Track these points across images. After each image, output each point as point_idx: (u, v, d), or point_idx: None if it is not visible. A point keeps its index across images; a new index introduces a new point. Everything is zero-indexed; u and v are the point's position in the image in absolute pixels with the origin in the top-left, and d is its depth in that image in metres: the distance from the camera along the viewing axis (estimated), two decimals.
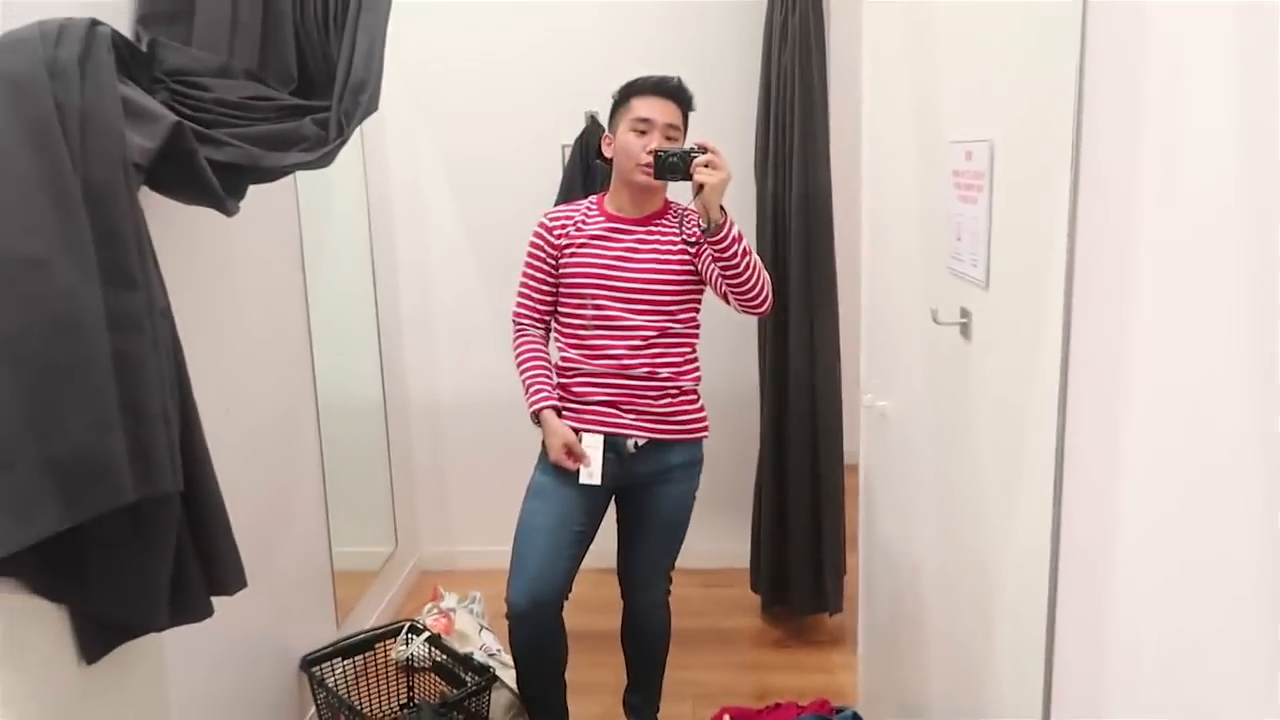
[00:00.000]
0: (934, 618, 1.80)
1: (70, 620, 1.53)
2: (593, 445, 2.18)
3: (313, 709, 2.48)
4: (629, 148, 2.14)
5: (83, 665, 1.56)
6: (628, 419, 2.19)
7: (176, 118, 1.45)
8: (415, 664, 2.65)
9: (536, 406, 2.21)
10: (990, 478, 1.45)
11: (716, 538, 3.37)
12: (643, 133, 2.14)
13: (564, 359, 2.26)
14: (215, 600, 1.64)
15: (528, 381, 2.24)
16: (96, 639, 1.56)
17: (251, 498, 2.17)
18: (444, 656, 2.56)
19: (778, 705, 2.17)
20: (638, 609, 2.44)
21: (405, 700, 2.59)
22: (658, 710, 2.54)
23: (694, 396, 2.27)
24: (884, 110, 2.02)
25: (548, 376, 2.24)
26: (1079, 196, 1.07)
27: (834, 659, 2.90)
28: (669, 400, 2.20)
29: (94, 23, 1.40)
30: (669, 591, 2.45)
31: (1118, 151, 1.02)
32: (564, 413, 2.23)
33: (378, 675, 2.59)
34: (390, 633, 2.65)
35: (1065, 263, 1.08)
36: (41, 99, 1.31)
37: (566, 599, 2.25)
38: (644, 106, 2.15)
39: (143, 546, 1.49)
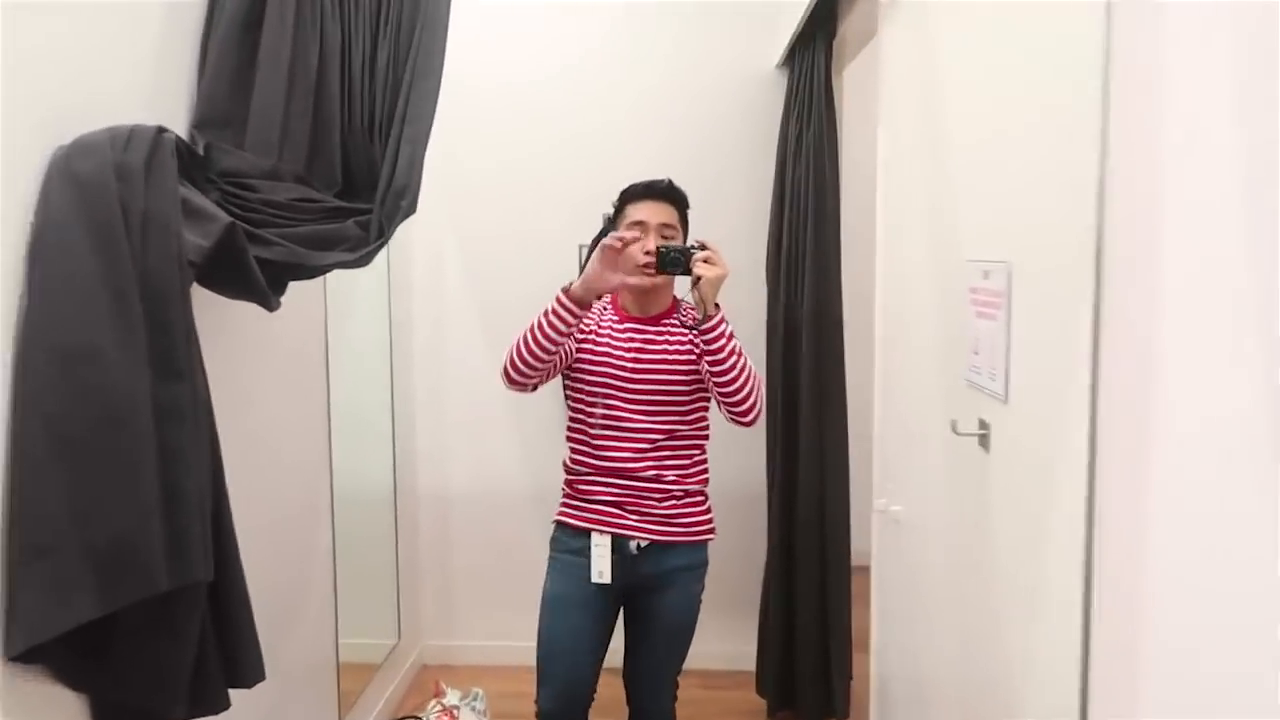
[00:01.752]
0: None
1: (90, 710, 1.53)
2: (600, 545, 2.20)
3: None
4: (626, 252, 2.15)
5: None
6: (631, 519, 2.21)
7: (230, 219, 1.52)
8: None
9: (561, 291, 2.13)
10: (1012, 591, 1.46)
11: (722, 638, 3.35)
12: (638, 236, 2.19)
13: (573, 458, 2.31)
14: None
15: (533, 321, 2.16)
16: None
17: (263, 588, 2.16)
18: None
19: None
20: (644, 716, 2.40)
21: None
22: None
23: (700, 499, 2.29)
24: (899, 226, 2.10)
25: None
26: (1101, 316, 1.12)
27: None
28: (674, 503, 2.23)
29: (160, 129, 1.48)
30: (675, 698, 2.42)
31: (1138, 273, 1.08)
32: (570, 511, 2.28)
33: None
34: None
35: (1089, 383, 1.13)
36: (108, 200, 1.38)
37: (592, 701, 2.28)
38: (637, 210, 2.25)
39: (168, 635, 1.50)
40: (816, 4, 2.67)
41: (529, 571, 3.62)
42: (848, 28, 2.84)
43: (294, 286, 1.90)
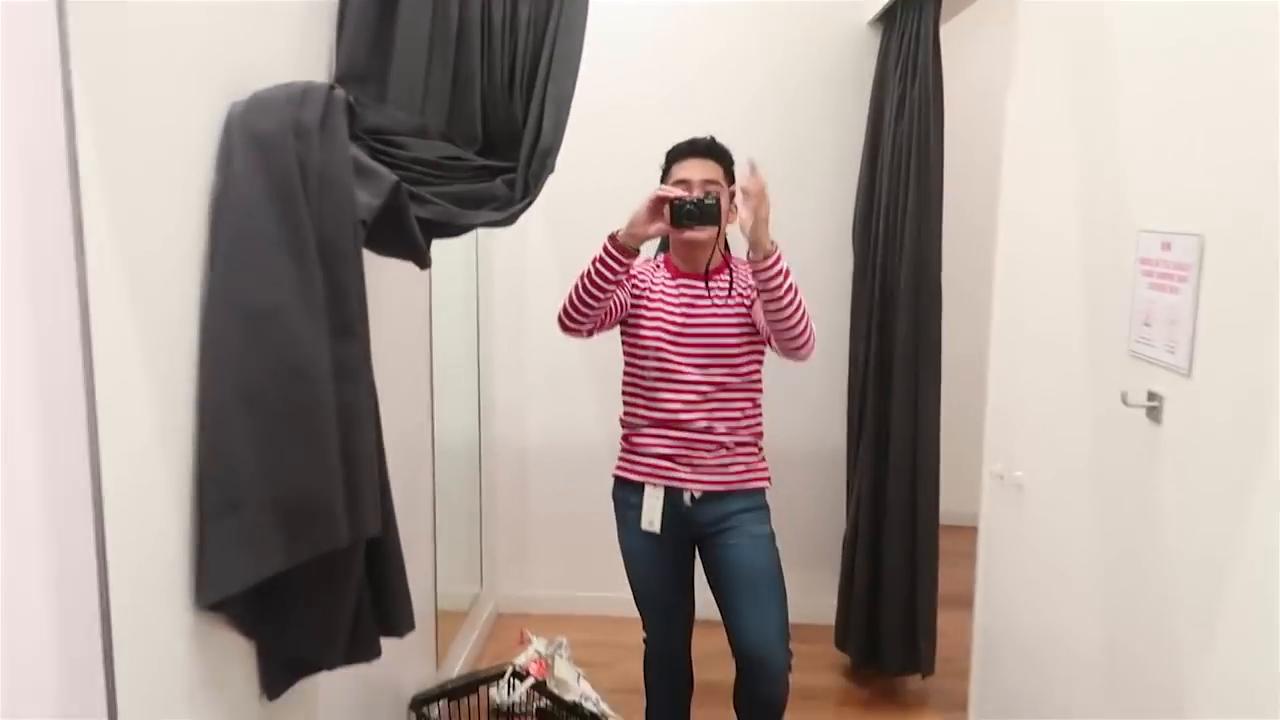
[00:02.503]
0: (1088, 697, 1.81)
1: (257, 657, 1.57)
2: (653, 496, 2.27)
3: None
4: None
5: (264, 701, 1.60)
6: (683, 472, 2.26)
7: (396, 177, 1.52)
8: (516, 710, 2.67)
9: (609, 237, 2.19)
10: (1186, 572, 1.46)
11: (797, 591, 3.38)
12: (682, 194, 2.20)
13: (627, 412, 2.39)
14: None
15: (585, 267, 2.23)
16: (279, 676, 1.60)
17: None
18: (548, 703, 2.58)
19: None
20: (752, 676, 2.31)
21: None
22: None
23: (753, 449, 2.32)
24: (1032, 190, 2.07)
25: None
26: None
27: None
28: (725, 453, 2.26)
29: (332, 86, 1.47)
30: (790, 664, 2.31)
31: None
32: (626, 465, 2.36)
33: (482, 713, 2.61)
34: (493, 676, 2.67)
35: None
36: (287, 158, 1.38)
37: (690, 632, 2.43)
38: (681, 169, 2.29)
39: (334, 587, 1.54)
40: None
41: (600, 524, 3.68)
42: None
43: None
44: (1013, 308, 2.18)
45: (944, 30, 3.05)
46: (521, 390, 3.67)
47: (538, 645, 3.04)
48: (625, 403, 2.39)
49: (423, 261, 1.66)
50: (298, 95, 1.43)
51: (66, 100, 1.04)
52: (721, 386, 2.25)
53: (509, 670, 2.69)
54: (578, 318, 2.26)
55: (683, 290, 2.31)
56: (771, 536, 2.31)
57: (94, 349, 1.10)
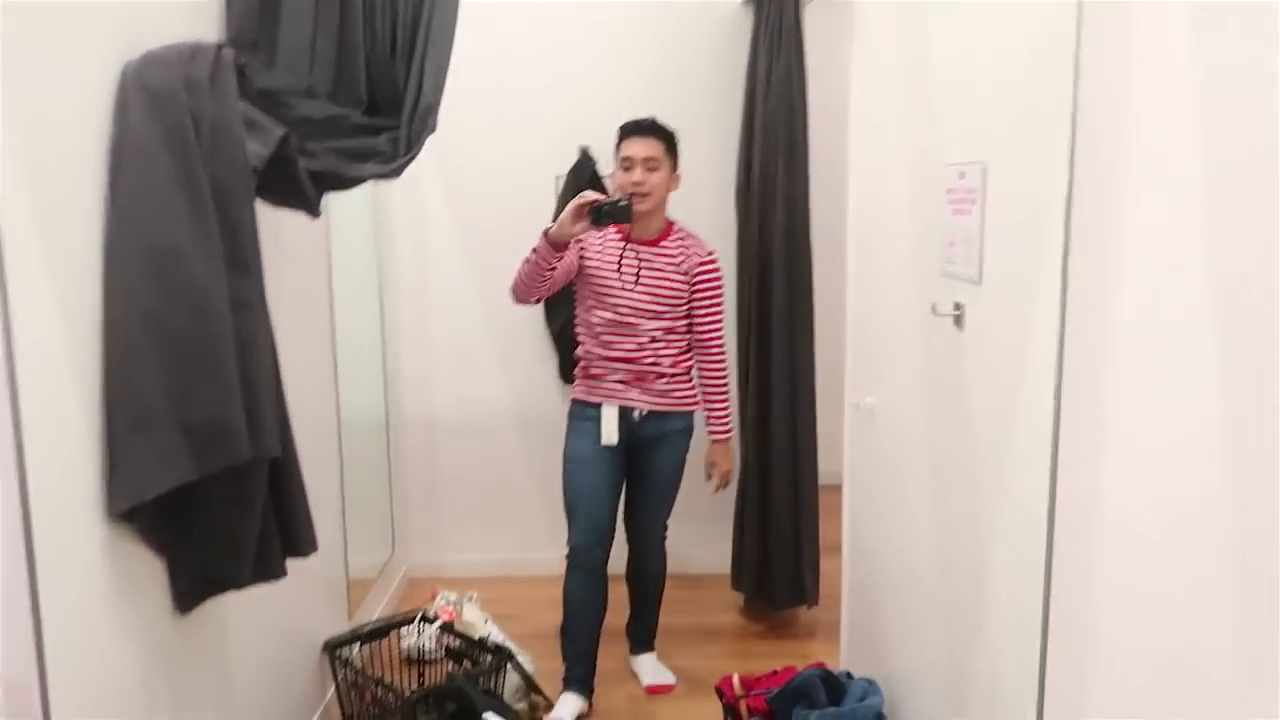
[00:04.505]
0: (926, 592, 2.05)
1: (168, 573, 1.70)
2: (609, 415, 2.70)
3: (332, 689, 2.63)
4: (619, 182, 2.69)
5: (176, 616, 1.73)
6: (633, 394, 2.73)
7: (285, 129, 1.67)
8: (425, 656, 2.82)
9: (543, 232, 2.53)
10: (984, 450, 1.70)
11: (699, 546, 3.61)
12: (627, 168, 2.66)
13: (585, 350, 2.78)
14: (251, 590, 1.79)
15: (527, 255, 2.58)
16: (189, 592, 1.73)
17: None
18: (458, 641, 2.73)
19: (775, 672, 2.37)
20: (640, 552, 2.92)
21: (417, 687, 2.74)
22: (654, 638, 3.03)
23: (687, 379, 2.80)
24: (873, 143, 2.31)
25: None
26: (1072, 206, 1.34)
27: (814, 647, 3.12)
28: (666, 380, 2.74)
29: (219, 46, 1.61)
30: (664, 537, 2.93)
31: (1107, 166, 1.29)
32: (585, 391, 2.78)
33: (391, 663, 2.75)
34: (404, 621, 2.81)
35: (1060, 262, 1.35)
36: (179, 109, 1.52)
37: (612, 538, 2.76)
38: (626, 147, 2.70)
39: (239, 507, 1.68)
40: None
41: (507, 490, 3.85)
42: None
43: (301, 221, 2.04)
44: (864, 253, 2.42)
45: (815, 10, 3.29)
46: (427, 364, 3.80)
47: (447, 595, 3.18)
48: (581, 341, 2.80)
49: (313, 210, 1.80)
50: (188, 53, 1.57)
51: None
52: (667, 330, 2.72)
53: (419, 615, 2.83)
54: (525, 295, 2.67)
55: (635, 253, 2.70)
56: (686, 454, 2.85)
57: (8, 285, 1.22)
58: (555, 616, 2.87)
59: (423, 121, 1.92)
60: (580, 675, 2.78)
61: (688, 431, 2.82)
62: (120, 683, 1.54)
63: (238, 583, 1.77)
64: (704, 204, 3.62)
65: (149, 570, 1.64)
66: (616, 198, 2.53)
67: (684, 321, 2.75)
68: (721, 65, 3.58)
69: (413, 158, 1.93)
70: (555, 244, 2.52)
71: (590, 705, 2.78)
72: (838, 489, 2.71)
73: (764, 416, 3.26)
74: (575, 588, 2.77)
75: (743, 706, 2.21)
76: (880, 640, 2.36)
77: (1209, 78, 1.10)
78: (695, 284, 2.72)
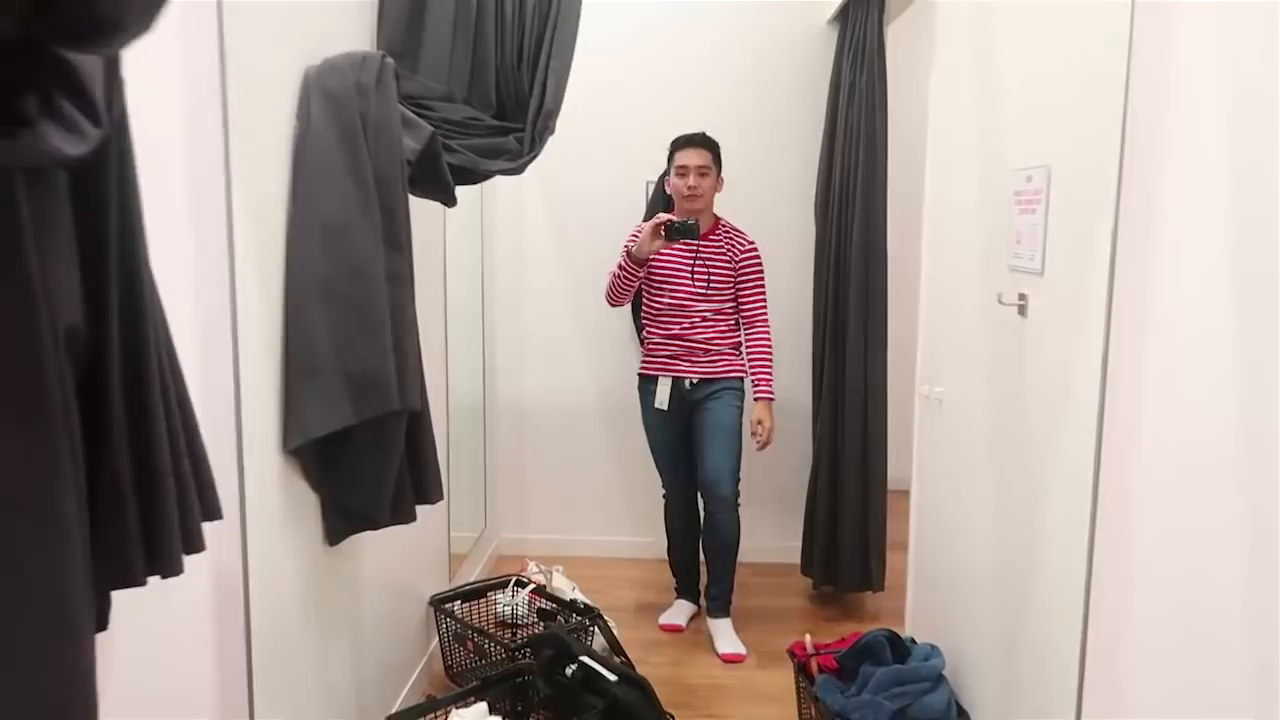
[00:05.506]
0: (984, 567, 2.23)
1: (321, 509, 1.97)
2: (664, 384, 3.21)
3: (435, 642, 2.89)
4: (675, 187, 3.18)
5: (325, 547, 2.00)
6: (684, 365, 3.20)
7: (433, 128, 1.94)
8: (518, 620, 3.06)
9: (626, 250, 3.10)
10: (1038, 434, 1.88)
11: (771, 534, 3.82)
12: (682, 175, 3.14)
13: (647, 330, 3.29)
14: (377, 545, 2.05)
15: (615, 269, 3.17)
16: (337, 526, 2.00)
17: None
18: (549, 604, 2.97)
19: (843, 638, 2.55)
20: (714, 513, 3.21)
21: (515, 646, 2.98)
22: (729, 604, 3.31)
23: (735, 353, 3.24)
24: (947, 150, 2.49)
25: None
26: (1120, 207, 1.53)
27: (879, 626, 3.29)
28: (715, 355, 3.19)
29: (384, 55, 1.89)
30: (738, 499, 3.23)
31: (1152, 172, 1.48)
32: (647, 364, 3.27)
33: (488, 621, 3.00)
34: (501, 583, 3.07)
35: (1109, 257, 1.55)
36: (351, 109, 1.80)
37: (693, 485, 3.28)
38: (680, 156, 3.17)
39: (382, 454, 1.94)
40: None
41: (589, 475, 4.10)
42: None
43: (422, 213, 2.30)
44: (937, 253, 2.60)
45: (898, 28, 3.49)
46: (520, 354, 4.08)
47: (537, 566, 3.43)
48: (644, 323, 3.32)
49: (451, 200, 2.07)
50: (358, 61, 1.84)
51: (221, 60, 1.45)
52: (716, 312, 3.19)
53: (513, 580, 3.08)
54: (618, 299, 3.25)
55: (686, 245, 3.17)
56: (740, 410, 3.20)
57: (235, 257, 1.51)
58: (633, 594, 3.54)
59: (545, 124, 2.18)
60: (688, 586, 3.43)
61: (737, 390, 3.21)
62: (287, 592, 1.81)
63: (377, 522, 2.03)
64: (785, 211, 3.85)
65: (309, 504, 1.91)
66: (684, 219, 3.03)
67: (731, 303, 3.20)
68: (806, 79, 3.79)
69: (535, 155, 2.19)
70: (637, 260, 3.08)
71: (699, 608, 3.41)
72: (906, 494, 2.89)
73: (836, 412, 3.45)
74: (673, 519, 3.41)
75: (813, 665, 2.40)
76: (943, 611, 2.53)
77: (1238, 99, 1.28)
78: (740, 269, 3.19)
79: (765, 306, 3.23)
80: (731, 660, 3.10)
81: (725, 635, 3.20)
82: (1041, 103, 1.89)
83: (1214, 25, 1.33)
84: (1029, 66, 1.96)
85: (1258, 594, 1.24)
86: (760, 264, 3.23)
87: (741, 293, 3.21)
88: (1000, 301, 1.96)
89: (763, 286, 3.23)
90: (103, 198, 0.90)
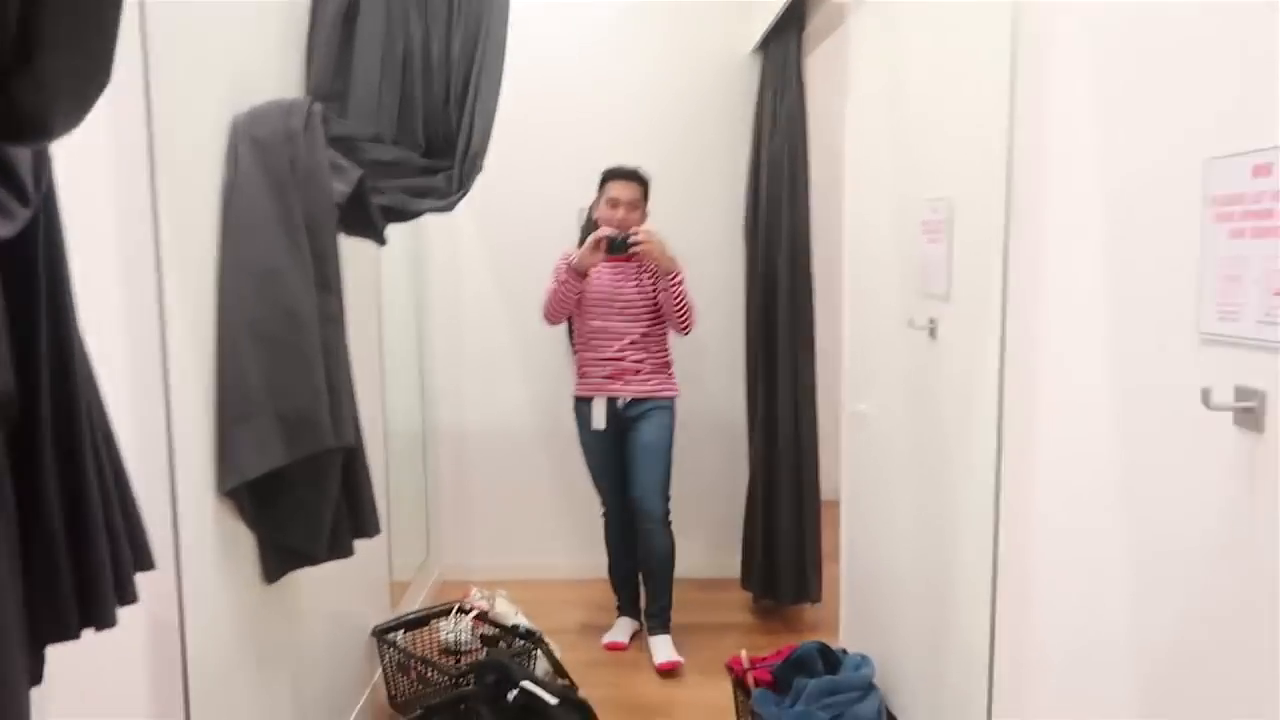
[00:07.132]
0: (908, 579, 2.32)
1: (258, 547, 1.99)
2: (599, 405, 3.28)
3: (378, 672, 2.91)
4: (606, 218, 3.24)
5: (262, 585, 2.02)
6: (617, 385, 3.29)
7: (362, 171, 1.98)
8: (462, 647, 3.09)
9: (563, 261, 3.23)
10: (951, 448, 1.99)
11: (709, 552, 3.91)
12: (613, 206, 3.23)
13: (578, 354, 3.38)
14: (315, 580, 2.08)
15: (552, 284, 3.26)
16: (274, 563, 2.02)
17: None
18: (492, 629, 3.01)
19: (779, 650, 2.63)
20: (647, 530, 3.28)
21: (458, 673, 3.01)
22: (669, 620, 3.35)
23: (666, 372, 3.35)
24: (863, 180, 2.60)
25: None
26: (1009, 235, 1.64)
27: (817, 638, 3.38)
28: (646, 374, 3.30)
29: (312, 102, 1.93)
30: (668, 513, 3.32)
31: (1033, 203, 1.59)
32: (581, 387, 3.34)
33: (431, 649, 3.03)
34: (443, 610, 3.09)
35: (1000, 279, 1.65)
36: (280, 156, 1.84)
37: (630, 502, 3.31)
38: (612, 188, 3.26)
39: (318, 491, 1.97)
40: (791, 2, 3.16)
41: (532, 498, 4.14)
42: (813, 22, 3.34)
43: (357, 245, 2.34)
44: (858, 275, 2.71)
45: (817, 59, 3.61)
46: (458, 380, 4.11)
47: (480, 592, 3.46)
48: (577, 347, 3.41)
49: (380, 239, 2.12)
50: (286, 107, 1.89)
51: (148, 115, 1.49)
52: (644, 334, 3.29)
53: (456, 606, 3.11)
54: (557, 316, 3.34)
55: (612, 272, 3.28)
56: (670, 429, 3.31)
57: (164, 298, 1.54)
58: (577, 614, 3.61)
59: (473, 164, 2.24)
60: (629, 603, 3.50)
61: (667, 408, 3.31)
62: (225, 631, 1.83)
63: (315, 558, 2.05)
64: (716, 233, 3.95)
65: (246, 543, 1.93)
66: (623, 234, 3.14)
67: (661, 325, 3.31)
68: (732, 107, 3.90)
69: (465, 194, 2.24)
70: (579, 271, 3.17)
71: (640, 625, 3.48)
72: (838, 504, 2.98)
73: (770, 428, 3.54)
74: (612, 536, 3.48)
75: (750, 679, 2.48)
76: (873, 621, 2.63)
77: (1107, 135, 1.39)
78: (657, 278, 3.25)
79: (681, 284, 3.21)
80: (668, 669, 3.16)
81: (663, 648, 3.26)
82: (944, 136, 2.00)
83: (1086, 71, 1.44)
84: (932, 100, 2.07)
85: (1142, 595, 1.34)
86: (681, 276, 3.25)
87: (660, 292, 3.21)
88: (912, 325, 2.07)
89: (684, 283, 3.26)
90: (30, 267, 0.93)
